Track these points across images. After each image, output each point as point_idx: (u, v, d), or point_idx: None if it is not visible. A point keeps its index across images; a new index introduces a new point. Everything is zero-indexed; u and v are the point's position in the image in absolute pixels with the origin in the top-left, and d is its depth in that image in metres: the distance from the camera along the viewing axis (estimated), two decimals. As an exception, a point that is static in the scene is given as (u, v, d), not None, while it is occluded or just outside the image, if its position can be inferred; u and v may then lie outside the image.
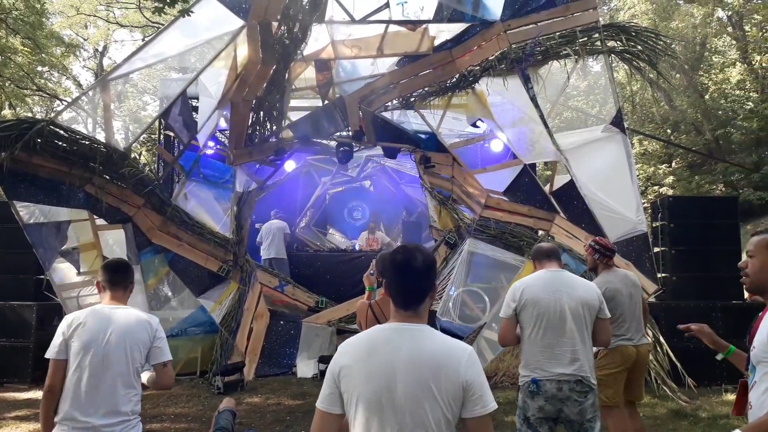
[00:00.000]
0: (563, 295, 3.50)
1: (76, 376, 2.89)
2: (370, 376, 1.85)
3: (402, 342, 1.89)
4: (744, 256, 2.45)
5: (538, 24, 8.03)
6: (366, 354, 1.91)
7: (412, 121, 9.91)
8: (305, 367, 8.13)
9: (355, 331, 7.91)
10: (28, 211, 7.55)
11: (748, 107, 18.03)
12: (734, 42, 19.91)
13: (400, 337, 1.91)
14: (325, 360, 8.01)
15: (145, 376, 3.11)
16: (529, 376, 3.48)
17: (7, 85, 16.98)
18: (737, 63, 19.31)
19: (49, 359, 2.95)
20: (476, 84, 8.38)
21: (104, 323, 2.97)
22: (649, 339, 5.63)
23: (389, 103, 8.90)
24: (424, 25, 8.55)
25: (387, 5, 8.28)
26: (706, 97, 19.12)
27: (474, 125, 9.31)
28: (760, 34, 18.75)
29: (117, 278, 3.13)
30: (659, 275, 7.78)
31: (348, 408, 1.88)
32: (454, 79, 8.50)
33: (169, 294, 8.50)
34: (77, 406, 2.85)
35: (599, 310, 3.56)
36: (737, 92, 19.27)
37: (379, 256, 3.63)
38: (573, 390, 3.40)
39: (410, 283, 2.00)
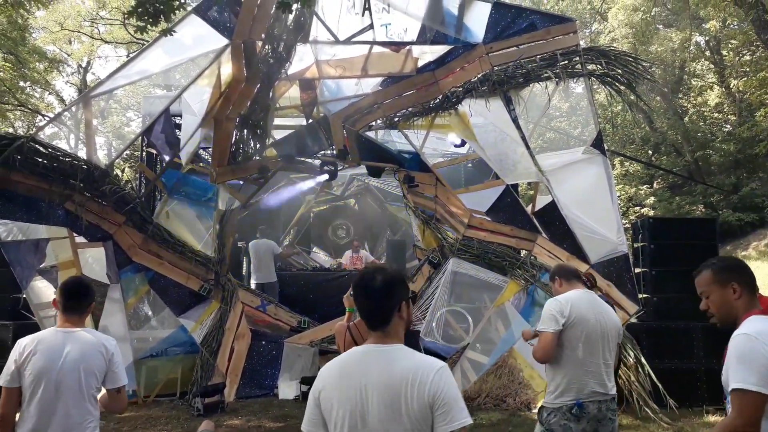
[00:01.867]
0: (602, 317, 3.55)
1: (30, 405, 2.83)
2: (344, 399, 1.87)
3: (373, 364, 1.91)
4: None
5: (520, 47, 8.16)
6: (339, 377, 1.93)
7: (395, 140, 9.98)
8: (287, 389, 8.03)
9: (337, 352, 7.84)
10: (5, 229, 7.46)
11: (726, 130, 18.41)
12: (712, 66, 20.37)
13: (371, 358, 1.93)
14: (307, 381, 7.93)
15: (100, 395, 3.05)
16: (573, 399, 3.40)
17: (-12, 100, 16.83)
18: (715, 86, 19.73)
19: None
20: (459, 105, 8.47)
21: (57, 350, 2.88)
22: None
23: (373, 123, 8.96)
24: (407, 47, 8.65)
25: (371, 26, 8.36)
26: (686, 119, 19.49)
27: (460, 145, 9.39)
28: (737, 58, 19.20)
29: (71, 304, 3.05)
30: (640, 296, 7.84)
31: (331, 430, 1.89)
32: (438, 100, 8.59)
33: (149, 313, 8.38)
34: None
35: (620, 335, 3.69)
36: (716, 115, 19.68)
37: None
38: (609, 409, 3.45)
39: (371, 304, 2.02)
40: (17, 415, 2.89)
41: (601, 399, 3.42)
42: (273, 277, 10.07)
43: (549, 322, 3.48)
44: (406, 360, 1.91)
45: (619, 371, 6.79)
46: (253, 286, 9.91)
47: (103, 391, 3.03)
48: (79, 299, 3.07)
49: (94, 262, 8.07)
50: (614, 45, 16.76)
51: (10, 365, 2.87)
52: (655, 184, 20.33)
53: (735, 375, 2.19)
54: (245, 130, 8.87)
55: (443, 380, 1.84)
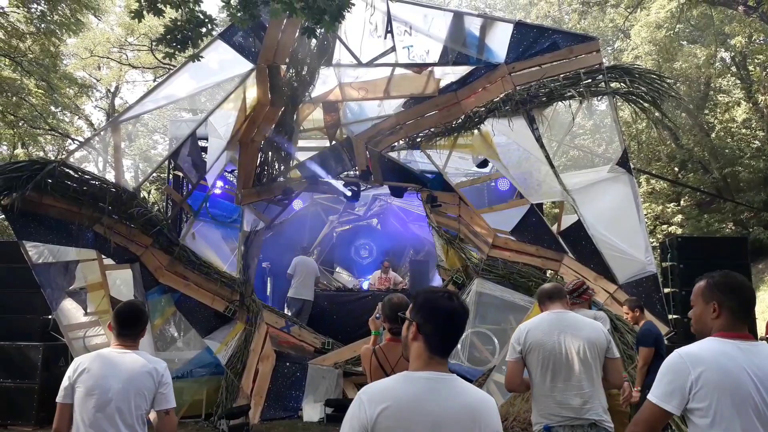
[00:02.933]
0: (568, 337, 3.41)
1: (80, 421, 2.90)
2: (415, 427, 1.81)
3: (445, 393, 1.86)
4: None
5: (542, 66, 8.14)
6: (410, 404, 1.84)
7: (418, 160, 9.99)
8: (311, 411, 7.99)
9: (362, 374, 7.82)
10: (37, 251, 7.59)
11: (755, 146, 18.08)
12: (738, 82, 20.09)
13: (441, 388, 1.88)
14: (331, 403, 7.88)
15: (152, 415, 3.09)
16: (542, 423, 3.38)
17: (20, 125, 17.31)
18: (742, 102, 19.44)
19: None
20: (482, 125, 8.46)
21: (109, 369, 2.96)
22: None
23: (396, 144, 8.99)
24: (429, 68, 8.69)
25: (393, 48, 8.44)
26: (713, 135, 19.20)
27: (482, 165, 9.36)
28: (764, 73, 18.92)
29: (126, 330, 3.12)
30: (670, 317, 7.68)
31: None
32: (460, 120, 8.59)
33: (176, 334, 8.46)
34: None
35: (607, 350, 3.47)
36: (743, 131, 19.34)
37: (386, 301, 3.59)
38: None
39: (456, 332, 1.98)
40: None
41: (575, 423, 3.30)
42: (311, 296, 10.14)
43: (509, 352, 3.56)
44: (471, 392, 1.92)
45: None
46: (290, 299, 9.93)
47: (153, 413, 3.08)
48: (134, 326, 3.14)
49: (122, 283, 8.17)
50: (638, 62, 16.67)
51: (64, 382, 2.97)
52: (682, 202, 20.00)
53: (654, 385, 2.31)
54: (270, 153, 8.99)
55: (498, 415, 1.91)
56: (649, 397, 2.27)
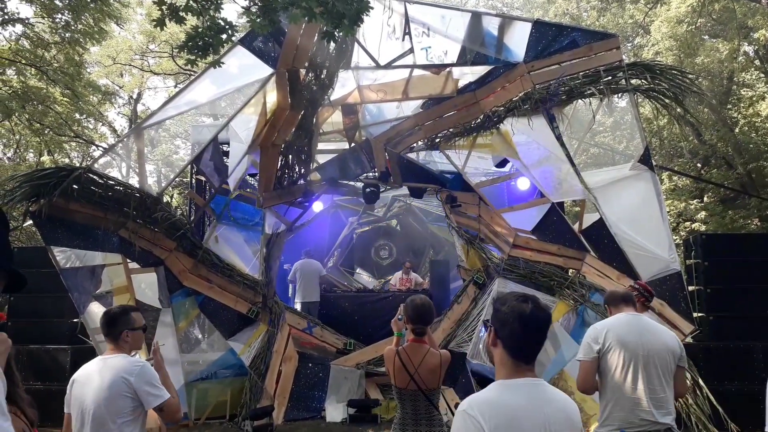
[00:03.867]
0: (648, 340, 3.36)
1: (75, 429, 3.06)
2: None
3: (542, 398, 1.89)
4: None
5: (562, 64, 8.10)
6: (516, 413, 1.84)
7: (437, 161, 10.00)
8: (334, 411, 8.04)
9: (384, 374, 7.85)
10: (64, 256, 7.74)
11: (780, 140, 17.73)
12: (762, 75, 19.73)
13: (538, 394, 1.90)
14: (354, 404, 7.92)
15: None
16: (617, 428, 3.29)
17: (46, 132, 17.65)
18: (766, 96, 19.08)
19: None
20: (501, 124, 8.44)
21: (88, 378, 3.09)
22: None
23: (415, 145, 9.01)
24: (448, 69, 8.70)
25: (411, 50, 8.46)
26: (736, 130, 18.86)
27: (501, 165, 9.33)
28: (789, 66, 18.55)
29: (104, 331, 3.24)
30: (695, 315, 7.58)
31: None
32: (479, 120, 8.58)
33: (200, 336, 8.56)
34: None
35: (680, 358, 3.42)
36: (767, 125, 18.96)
37: (408, 302, 3.62)
38: None
39: (533, 336, 1.95)
40: None
41: (648, 428, 3.23)
42: (316, 297, 10.19)
43: (583, 350, 3.46)
44: (559, 394, 1.96)
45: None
46: (297, 306, 10.04)
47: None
48: (111, 326, 3.22)
49: (147, 287, 8.31)
50: (658, 58, 16.46)
51: (67, 392, 3.17)
52: (705, 198, 19.67)
53: None
54: (290, 156, 9.06)
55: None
56: None
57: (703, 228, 17.31)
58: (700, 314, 7.73)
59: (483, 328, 8.12)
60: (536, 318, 1.93)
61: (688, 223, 18.27)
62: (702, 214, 18.21)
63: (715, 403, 6.74)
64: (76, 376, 3.15)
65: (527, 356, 1.94)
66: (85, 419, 2.98)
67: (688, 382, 6.70)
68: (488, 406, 1.84)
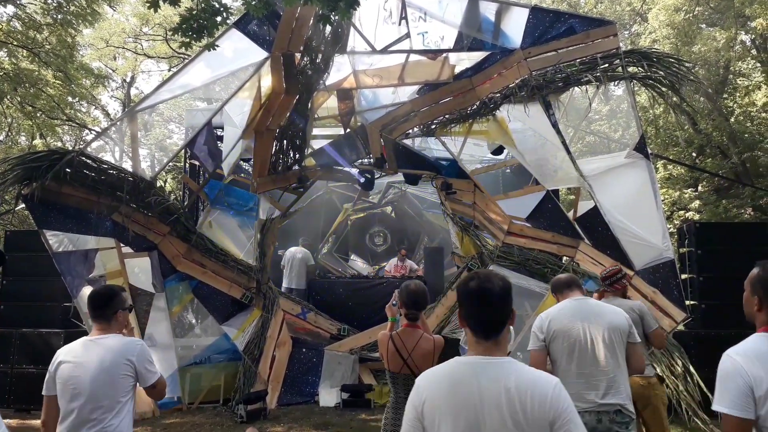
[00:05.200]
0: (592, 323, 3.41)
1: (64, 411, 2.95)
2: (456, 413, 1.79)
3: (488, 377, 1.83)
4: None
5: (559, 51, 8.06)
6: (450, 389, 1.84)
7: (433, 147, 9.97)
8: (328, 396, 8.08)
9: (378, 360, 7.88)
10: (57, 240, 7.71)
11: (775, 130, 17.76)
12: (759, 65, 19.71)
13: (485, 371, 1.85)
14: (347, 389, 7.96)
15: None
16: None
17: (38, 115, 17.48)
18: (762, 86, 19.08)
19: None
20: (497, 111, 8.41)
21: (84, 358, 2.99)
22: (656, 370, 5.41)
23: (410, 131, 8.97)
24: (444, 54, 8.64)
25: (408, 35, 8.40)
26: (732, 120, 18.88)
27: (497, 152, 9.31)
28: (785, 56, 18.52)
29: (97, 312, 3.14)
30: (688, 303, 7.62)
31: None
32: (475, 107, 8.55)
33: (193, 321, 8.57)
34: None
35: (629, 335, 3.46)
36: (763, 115, 18.99)
37: (402, 287, 3.62)
38: (613, 421, 3.29)
39: (490, 311, 1.93)
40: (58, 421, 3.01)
41: (600, 410, 3.29)
42: (303, 285, 10.20)
43: (531, 341, 3.53)
44: (522, 374, 1.85)
45: (665, 379, 6.60)
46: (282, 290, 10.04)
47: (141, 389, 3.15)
48: (104, 306, 3.15)
49: (140, 271, 8.29)
50: (655, 46, 16.41)
51: (47, 374, 3.04)
52: (700, 187, 19.72)
53: (715, 395, 2.19)
54: (285, 141, 9.01)
55: (563, 397, 1.81)
56: (719, 409, 2.15)
57: (697, 217, 17.38)
58: (692, 302, 7.77)
59: None
60: (484, 292, 1.92)
61: (682, 212, 18.35)
62: (696, 203, 18.29)
63: (705, 390, 6.80)
64: (62, 357, 3.02)
65: (484, 331, 1.92)
66: (80, 400, 2.91)
67: (678, 368, 6.78)
68: (431, 378, 1.91)
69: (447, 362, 1.97)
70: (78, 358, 3.00)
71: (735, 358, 2.18)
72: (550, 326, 3.46)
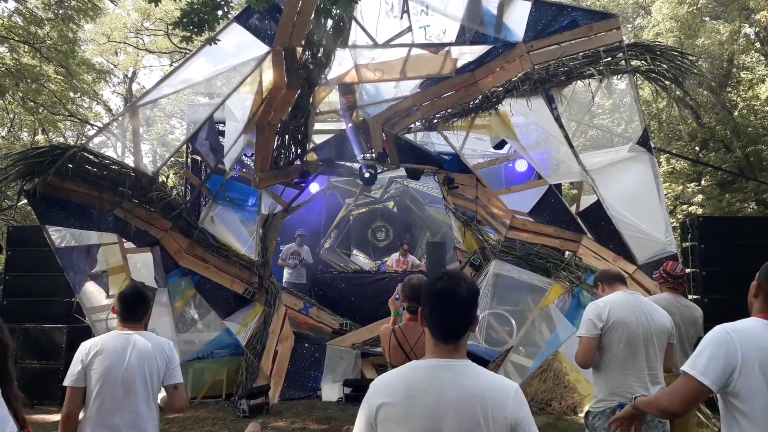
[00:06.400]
0: (647, 318, 3.49)
1: (97, 403, 2.94)
2: (413, 418, 1.73)
3: (446, 381, 1.77)
4: None
5: (561, 45, 8.01)
6: (407, 394, 1.77)
7: (435, 142, 9.93)
8: (330, 391, 8.09)
9: (380, 354, 7.88)
10: (59, 235, 7.71)
11: (779, 124, 17.68)
12: (762, 58, 19.61)
13: (443, 375, 1.78)
14: (350, 383, 7.97)
15: (159, 396, 3.15)
16: (615, 401, 3.38)
17: (40, 111, 17.49)
18: (766, 79, 18.99)
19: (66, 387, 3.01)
20: (499, 105, 8.37)
21: (123, 350, 3.02)
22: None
23: (412, 125, 8.95)
24: (446, 48, 8.60)
25: (409, 29, 8.35)
26: (735, 113, 18.81)
27: (499, 146, 9.28)
28: (790, 49, 18.43)
29: (130, 313, 3.18)
30: (690, 297, 7.60)
31: None
32: (477, 101, 8.51)
33: (196, 316, 8.57)
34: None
35: (671, 335, 3.59)
36: (767, 108, 18.90)
37: (405, 281, 3.62)
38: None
39: (453, 316, 1.85)
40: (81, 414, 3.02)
41: None
42: (303, 280, 10.25)
43: (587, 327, 3.52)
44: (481, 378, 1.80)
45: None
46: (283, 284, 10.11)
47: (162, 391, 3.15)
48: (137, 307, 3.21)
49: (143, 267, 8.28)
50: (659, 39, 16.32)
51: (76, 366, 3.00)
52: (703, 182, 19.67)
53: (691, 358, 2.23)
54: (286, 136, 8.99)
55: (523, 404, 1.78)
56: (689, 371, 2.20)
57: (700, 211, 17.33)
58: (695, 296, 7.75)
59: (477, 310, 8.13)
60: (452, 294, 1.85)
61: (685, 207, 18.30)
62: (699, 198, 18.24)
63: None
64: (96, 348, 3.00)
65: (445, 335, 1.84)
66: (120, 389, 2.94)
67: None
68: (384, 384, 1.83)
69: (402, 366, 1.91)
70: (111, 349, 3.02)
71: (729, 333, 2.21)
72: (610, 315, 3.48)
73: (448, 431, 1.71)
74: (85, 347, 3.05)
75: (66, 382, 3.00)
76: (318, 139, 9.70)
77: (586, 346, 3.50)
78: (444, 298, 1.86)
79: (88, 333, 7.84)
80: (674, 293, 4.70)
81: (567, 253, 8.22)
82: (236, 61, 8.39)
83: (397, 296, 3.73)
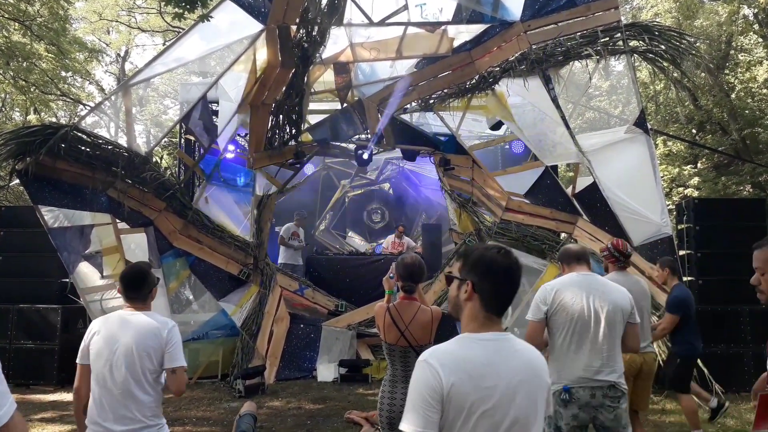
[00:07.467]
0: (597, 300, 3.38)
1: (93, 380, 3.01)
2: (494, 391, 1.74)
3: (509, 352, 1.83)
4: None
5: (559, 24, 7.94)
6: (481, 369, 1.76)
7: (431, 123, 9.88)
8: (325, 371, 8.12)
9: (375, 335, 7.91)
10: (52, 215, 7.65)
11: (776, 106, 17.65)
12: (761, 40, 19.51)
13: (504, 347, 1.83)
14: (345, 364, 8.00)
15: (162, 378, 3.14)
16: (560, 384, 3.37)
17: (32, 90, 17.28)
18: (764, 61, 18.91)
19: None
20: (496, 85, 8.31)
21: (116, 331, 3.03)
22: (655, 348, 5.44)
23: (408, 105, 8.87)
24: (443, 27, 8.51)
25: (406, 7, 8.25)
26: (732, 96, 18.75)
27: (496, 127, 9.23)
28: (788, 31, 18.32)
29: (132, 293, 3.15)
30: (685, 278, 7.62)
31: (459, 428, 1.73)
32: (474, 81, 8.45)
33: (191, 297, 8.56)
34: (97, 411, 2.96)
35: (630, 315, 3.46)
36: (764, 91, 18.86)
37: (399, 260, 3.60)
38: (606, 396, 3.32)
39: (513, 289, 1.89)
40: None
41: (594, 385, 3.31)
42: (299, 261, 10.19)
43: (533, 311, 3.50)
44: (526, 348, 1.90)
45: (661, 355, 6.63)
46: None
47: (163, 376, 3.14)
48: (139, 288, 3.17)
49: (136, 247, 8.24)
50: (657, 19, 16.19)
51: (83, 343, 3.08)
52: (699, 164, 19.67)
53: None
54: (281, 116, 8.91)
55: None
56: None
57: (696, 193, 17.36)
58: (690, 278, 7.78)
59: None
60: (517, 271, 1.89)
61: (681, 189, 18.33)
62: (695, 180, 18.26)
63: (700, 364, 6.83)
64: (98, 328, 3.06)
65: (502, 309, 1.89)
66: (113, 370, 2.95)
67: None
68: (451, 358, 1.78)
69: (454, 341, 1.87)
70: (114, 330, 3.03)
71: None
72: (555, 298, 3.42)
73: (519, 400, 1.77)
74: (91, 326, 3.12)
75: (77, 359, 3.10)
76: (313, 119, 9.61)
77: (531, 329, 3.49)
78: (504, 272, 1.88)
79: (82, 313, 7.84)
80: (622, 272, 4.59)
81: (563, 234, 8.21)
82: (230, 40, 8.28)
83: (391, 275, 3.71)
